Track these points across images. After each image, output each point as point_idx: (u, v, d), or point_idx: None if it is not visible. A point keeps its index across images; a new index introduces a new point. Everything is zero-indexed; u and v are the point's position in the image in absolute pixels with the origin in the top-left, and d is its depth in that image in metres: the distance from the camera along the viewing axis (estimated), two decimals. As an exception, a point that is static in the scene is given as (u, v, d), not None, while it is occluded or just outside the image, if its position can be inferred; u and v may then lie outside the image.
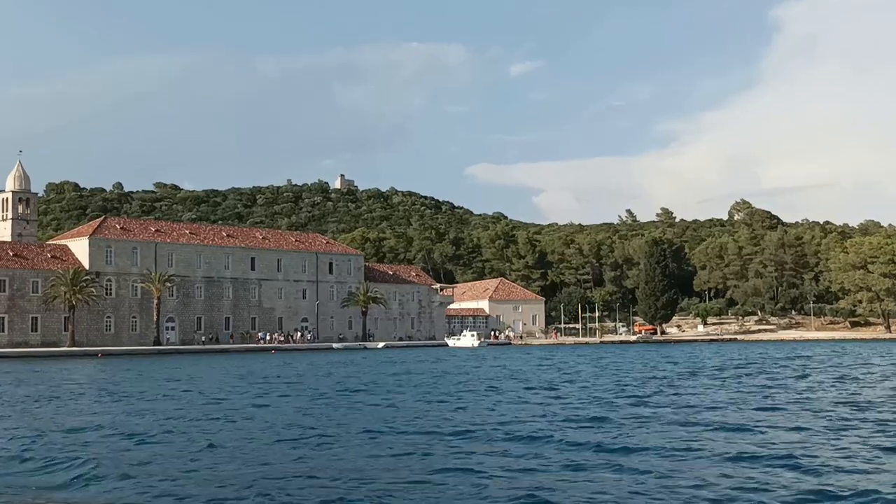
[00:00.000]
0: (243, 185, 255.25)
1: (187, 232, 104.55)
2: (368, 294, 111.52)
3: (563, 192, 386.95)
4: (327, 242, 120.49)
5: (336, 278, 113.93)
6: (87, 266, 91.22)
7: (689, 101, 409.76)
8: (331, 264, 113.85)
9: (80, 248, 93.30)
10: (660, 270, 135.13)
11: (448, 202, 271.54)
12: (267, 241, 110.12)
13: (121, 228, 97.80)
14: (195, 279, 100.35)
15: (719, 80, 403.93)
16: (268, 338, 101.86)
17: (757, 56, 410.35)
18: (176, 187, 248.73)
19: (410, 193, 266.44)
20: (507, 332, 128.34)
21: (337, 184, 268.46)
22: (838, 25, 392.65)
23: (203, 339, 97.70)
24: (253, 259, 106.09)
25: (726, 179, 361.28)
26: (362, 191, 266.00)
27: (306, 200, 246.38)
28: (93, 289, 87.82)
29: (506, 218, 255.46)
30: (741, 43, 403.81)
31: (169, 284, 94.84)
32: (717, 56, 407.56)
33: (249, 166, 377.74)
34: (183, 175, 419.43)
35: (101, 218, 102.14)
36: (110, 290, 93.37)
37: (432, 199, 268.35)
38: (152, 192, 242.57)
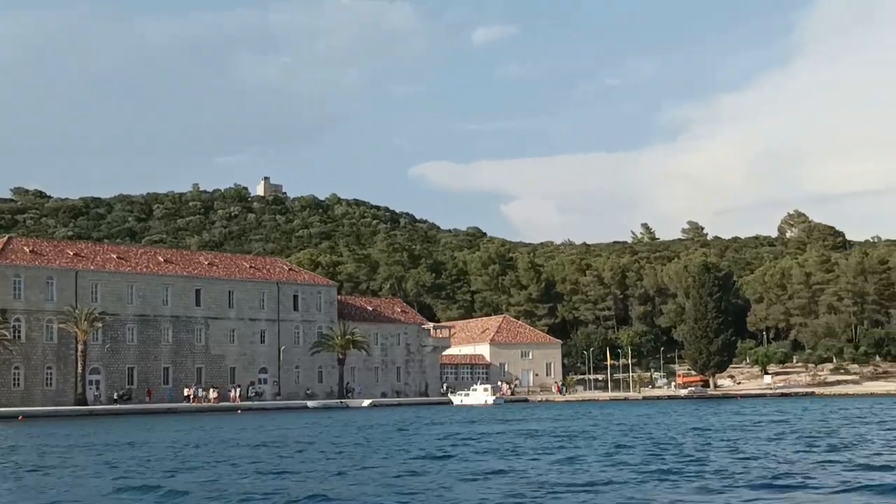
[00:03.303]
0: (134, 192, 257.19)
1: (114, 256, 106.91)
2: (347, 336, 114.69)
3: (542, 198, 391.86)
4: (290, 269, 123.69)
5: (302, 316, 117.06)
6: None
7: (706, 81, 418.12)
8: (296, 298, 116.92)
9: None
10: (713, 305, 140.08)
11: (408, 213, 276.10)
12: (215, 269, 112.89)
13: (31, 252, 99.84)
14: (126, 318, 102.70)
15: (744, 53, 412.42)
16: (200, 394, 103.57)
17: (794, 22, 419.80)
18: (42, 194, 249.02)
19: (358, 202, 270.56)
20: (509, 386, 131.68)
21: (259, 190, 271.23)
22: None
23: (115, 395, 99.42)
24: (198, 291, 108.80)
25: (755, 182, 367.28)
26: (293, 199, 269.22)
27: (220, 212, 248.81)
28: (4, 331, 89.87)
29: (484, 234, 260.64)
30: (773, 4, 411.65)
31: (98, 325, 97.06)
32: (741, 22, 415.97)
33: (140, 166, 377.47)
34: (51, 179, 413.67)
35: (5, 238, 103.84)
36: (19, 332, 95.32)
37: (387, 209, 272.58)
38: (10, 200, 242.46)
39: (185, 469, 33.59)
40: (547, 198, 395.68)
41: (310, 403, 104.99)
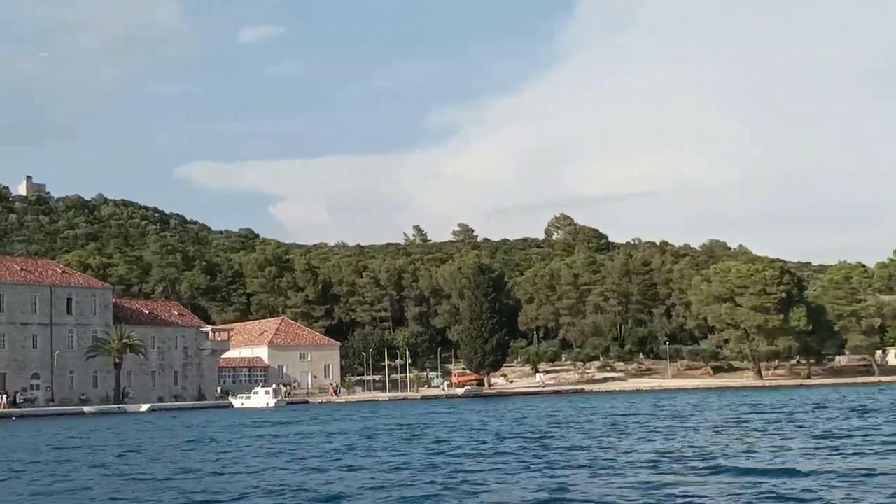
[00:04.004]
0: None
1: None
2: (123, 340, 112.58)
3: (312, 199, 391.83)
4: (63, 272, 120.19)
5: (77, 320, 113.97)
6: None
7: (474, 84, 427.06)
8: (69, 301, 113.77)
9: None
10: (487, 306, 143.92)
11: (178, 214, 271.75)
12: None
13: None
14: None
15: (511, 57, 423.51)
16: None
17: (557, 28, 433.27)
18: None
19: (126, 203, 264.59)
20: (286, 388, 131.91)
21: (21, 189, 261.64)
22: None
23: None
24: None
25: (523, 185, 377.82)
26: (58, 199, 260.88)
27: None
28: None
29: (257, 235, 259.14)
30: (537, 10, 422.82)
31: None
32: (507, 28, 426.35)
33: None
34: None
35: None
36: None
37: (156, 210, 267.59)
38: None
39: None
40: (317, 199, 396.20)
41: (86, 409, 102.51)
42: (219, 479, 30.01)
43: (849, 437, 40.14)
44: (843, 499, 22.21)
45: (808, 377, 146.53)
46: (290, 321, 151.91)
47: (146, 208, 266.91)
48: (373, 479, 28.68)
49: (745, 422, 52.96)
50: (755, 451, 34.44)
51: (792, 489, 23.92)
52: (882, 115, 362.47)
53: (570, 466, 30.62)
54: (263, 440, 49.26)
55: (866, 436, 40.20)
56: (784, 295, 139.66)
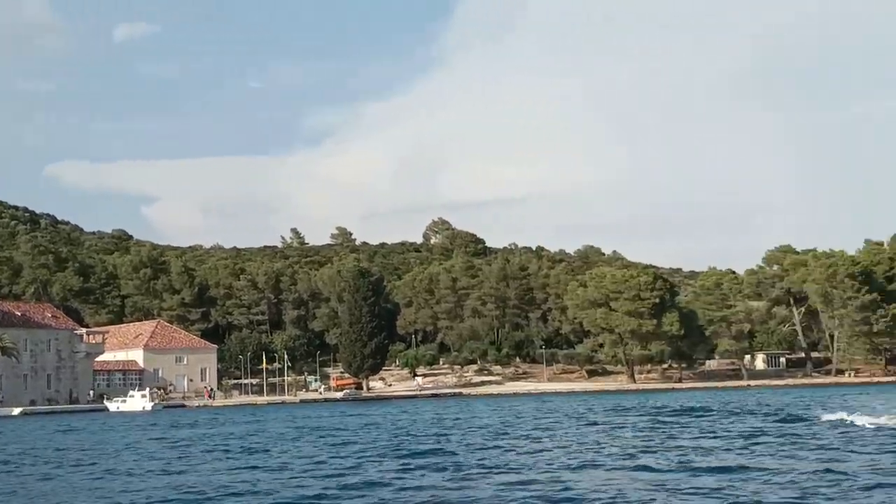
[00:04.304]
0: None
1: None
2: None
3: (186, 201, 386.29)
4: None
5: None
6: None
7: (351, 87, 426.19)
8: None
9: None
10: (367, 309, 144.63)
11: (49, 214, 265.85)
12: None
13: None
14: None
15: (388, 61, 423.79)
16: None
17: (436, 31, 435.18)
18: None
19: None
20: (161, 392, 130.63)
21: None
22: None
23: None
24: None
25: (400, 189, 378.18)
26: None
27: None
28: None
29: (130, 237, 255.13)
30: (416, 14, 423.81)
31: None
32: (385, 31, 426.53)
33: None
34: None
35: None
36: None
37: (26, 209, 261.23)
38: None
39: None
40: (191, 201, 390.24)
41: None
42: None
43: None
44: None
45: (680, 381, 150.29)
46: (165, 324, 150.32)
47: (16, 208, 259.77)
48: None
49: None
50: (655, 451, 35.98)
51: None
52: (749, 123, 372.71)
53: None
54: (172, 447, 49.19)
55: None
56: (657, 300, 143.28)
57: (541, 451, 37.79)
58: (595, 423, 55.10)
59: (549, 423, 58.01)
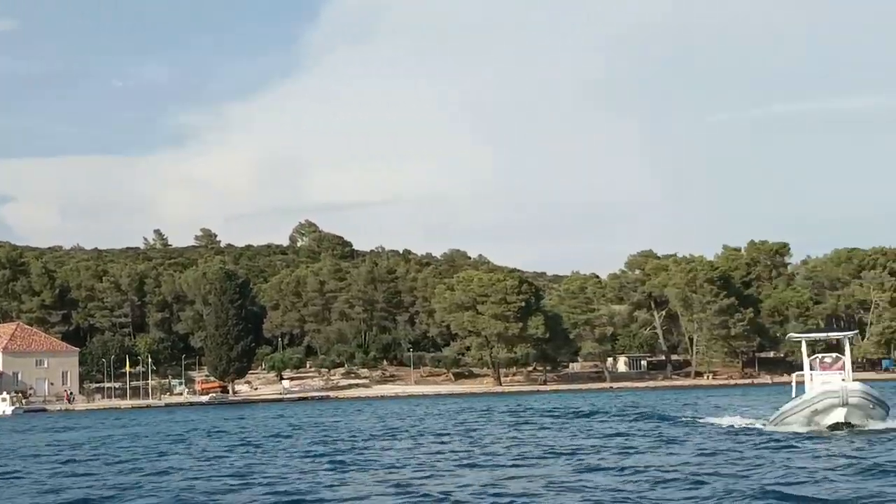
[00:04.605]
0: None
1: None
2: None
3: (43, 201, 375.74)
4: None
5: None
6: None
7: (214, 88, 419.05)
8: None
9: None
10: (234, 312, 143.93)
11: None
12: None
13: None
14: None
15: (253, 62, 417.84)
16: None
17: (300, 33, 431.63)
18: None
19: None
20: (20, 395, 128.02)
21: None
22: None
23: None
24: None
25: (265, 190, 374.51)
26: None
27: None
28: None
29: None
30: (280, 15, 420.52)
31: None
32: (248, 32, 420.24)
33: None
34: None
35: None
36: None
37: None
38: None
39: None
40: (49, 201, 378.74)
41: None
42: None
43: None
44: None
45: (545, 383, 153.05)
46: (25, 326, 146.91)
47: None
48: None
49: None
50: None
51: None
52: (610, 128, 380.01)
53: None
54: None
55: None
56: (523, 304, 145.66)
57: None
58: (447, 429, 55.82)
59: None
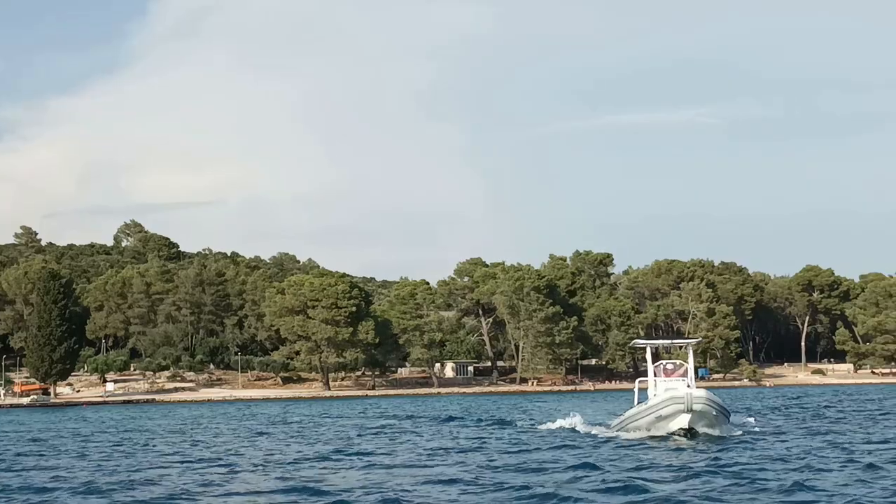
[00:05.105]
0: None
1: None
2: None
3: None
4: None
5: None
6: None
7: (33, 83, 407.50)
8: None
9: None
10: (57, 313, 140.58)
11: None
12: None
13: None
14: None
15: (76, 58, 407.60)
16: None
17: (127, 31, 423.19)
18: None
19: None
20: None
21: None
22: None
23: None
24: None
25: (87, 189, 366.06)
26: None
27: None
28: None
29: None
30: (107, 12, 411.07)
31: None
32: (73, 27, 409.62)
33: None
34: None
35: None
36: None
37: None
38: None
39: None
40: None
41: None
42: None
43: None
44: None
45: (373, 388, 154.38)
46: None
47: None
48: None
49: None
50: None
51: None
52: (439, 137, 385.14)
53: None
54: None
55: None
56: (354, 309, 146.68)
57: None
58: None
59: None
